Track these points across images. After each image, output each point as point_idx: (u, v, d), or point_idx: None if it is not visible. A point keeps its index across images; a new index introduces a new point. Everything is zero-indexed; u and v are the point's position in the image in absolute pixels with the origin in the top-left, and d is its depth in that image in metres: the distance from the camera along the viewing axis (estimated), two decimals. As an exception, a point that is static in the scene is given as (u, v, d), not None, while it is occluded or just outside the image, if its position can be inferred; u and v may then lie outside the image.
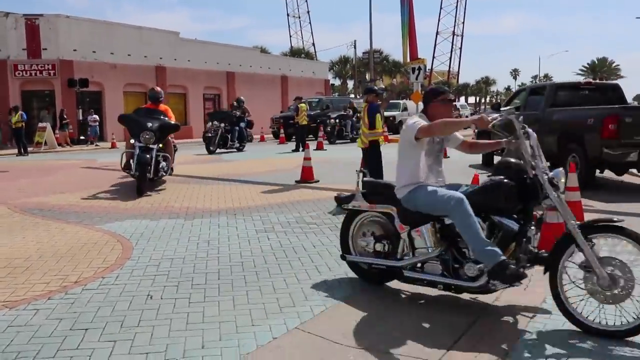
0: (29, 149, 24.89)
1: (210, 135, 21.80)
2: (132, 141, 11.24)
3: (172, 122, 11.87)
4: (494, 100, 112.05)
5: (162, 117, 11.66)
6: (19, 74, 30.34)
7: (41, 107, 30.86)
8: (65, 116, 28.70)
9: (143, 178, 10.58)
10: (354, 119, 27.60)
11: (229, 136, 22.34)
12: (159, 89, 12.72)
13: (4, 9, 31.00)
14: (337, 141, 26.34)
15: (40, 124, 27.66)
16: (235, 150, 22.41)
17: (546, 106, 11.93)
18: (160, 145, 11.30)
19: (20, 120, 24.16)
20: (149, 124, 10.99)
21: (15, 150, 24.31)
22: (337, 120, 27.38)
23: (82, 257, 6.02)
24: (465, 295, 4.48)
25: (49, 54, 30.61)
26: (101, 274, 5.39)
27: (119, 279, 5.22)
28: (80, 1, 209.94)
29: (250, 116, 24.44)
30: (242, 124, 23.09)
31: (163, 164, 11.39)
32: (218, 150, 21.77)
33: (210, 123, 22.64)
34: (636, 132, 9.65)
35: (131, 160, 10.92)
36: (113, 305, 4.51)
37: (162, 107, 12.18)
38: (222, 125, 22.06)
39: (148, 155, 10.71)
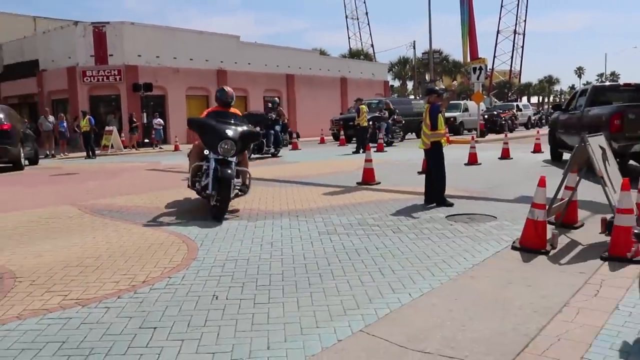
0: (97, 151, 25.71)
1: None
2: (205, 152, 8.56)
3: (255, 130, 9.77)
4: (557, 100, 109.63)
5: (240, 122, 9.25)
6: (87, 79, 31.40)
7: (108, 111, 31.88)
8: (134, 120, 29.50)
9: (226, 199, 8.38)
10: (389, 121, 26.12)
11: (264, 141, 20.37)
12: (229, 89, 9.49)
13: (72, 19, 32.16)
14: (253, 156, 20.18)
15: (107, 128, 28.55)
16: (270, 155, 21.35)
17: (585, 106, 13.28)
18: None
19: (88, 124, 24.98)
20: (228, 132, 8.59)
21: (84, 153, 25.13)
22: (370, 123, 24.07)
23: (150, 257, 6.15)
24: (536, 302, 4.36)
25: (115, 60, 31.57)
26: (168, 274, 5.48)
27: (185, 279, 5.31)
28: (144, 7, 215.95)
29: (287, 119, 24.18)
30: (277, 127, 21.89)
31: (236, 180, 8.83)
32: (253, 156, 19.69)
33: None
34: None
35: (202, 177, 8.71)
36: (180, 305, 4.58)
37: (233, 110, 9.50)
38: (257, 128, 18.85)
39: (229, 170, 8.37)
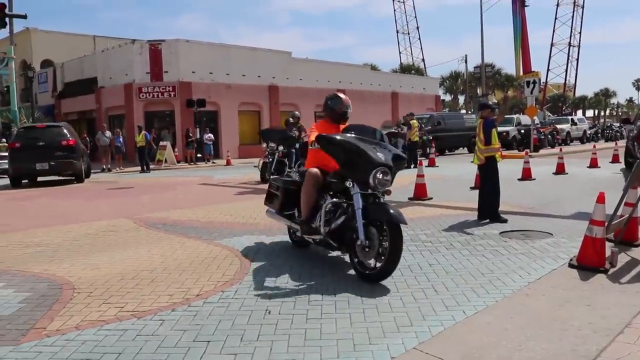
0: (151, 166, 26.29)
1: (267, 160, 16.76)
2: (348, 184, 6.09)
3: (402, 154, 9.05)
4: (616, 113, 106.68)
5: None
6: (143, 96, 32.20)
7: (162, 126, 32.57)
8: (190, 135, 30.07)
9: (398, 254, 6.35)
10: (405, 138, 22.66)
11: (287, 161, 16.69)
12: (345, 97, 7.20)
13: (130, 37, 33.12)
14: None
15: (161, 143, 29.16)
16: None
17: (636, 120, 15.48)
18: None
19: (143, 139, 25.59)
20: (382, 156, 7.40)
21: (139, 168, 25.72)
22: (279, 148, 17.91)
23: (203, 270, 6.23)
24: (595, 322, 4.24)
25: (170, 77, 32.29)
26: (221, 287, 5.54)
27: (238, 293, 5.35)
28: (197, 25, 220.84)
29: (306, 135, 22.36)
30: (297, 145, 17.33)
31: None
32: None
33: (266, 144, 17.53)
34: None
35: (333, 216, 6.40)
36: (233, 319, 4.62)
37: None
38: (280, 148, 16.67)
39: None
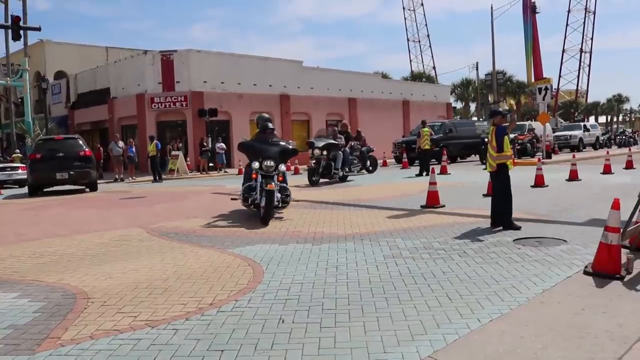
0: (163, 176, 26.40)
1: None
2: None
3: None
4: (629, 119, 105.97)
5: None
6: (155, 106, 32.37)
7: (174, 136, 32.70)
8: (205, 144, 30.18)
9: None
10: (346, 149, 20.67)
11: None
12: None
13: (142, 48, 33.37)
14: (321, 180, 19.64)
15: (173, 152, 29.28)
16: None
17: None
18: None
19: (155, 149, 25.72)
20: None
21: (151, 177, 25.83)
22: (323, 152, 19.49)
23: (216, 280, 6.23)
24: (612, 330, 4.19)
25: (182, 87, 32.45)
26: (234, 297, 5.54)
27: (251, 302, 5.35)
28: (208, 35, 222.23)
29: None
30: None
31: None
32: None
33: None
34: None
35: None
36: (247, 328, 4.61)
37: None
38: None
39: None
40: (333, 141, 19.82)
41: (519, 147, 30.25)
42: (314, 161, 19.28)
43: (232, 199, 12.29)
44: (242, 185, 11.45)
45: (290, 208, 12.07)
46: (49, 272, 6.92)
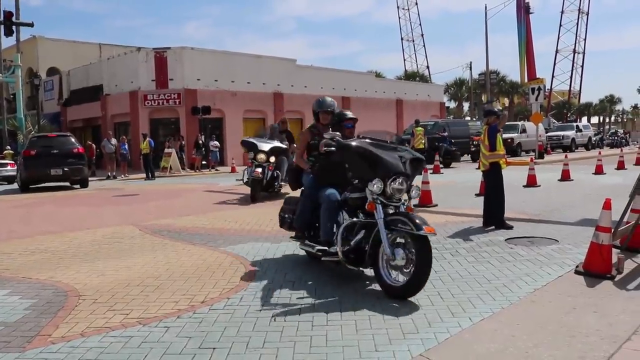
0: (156, 173, 26.34)
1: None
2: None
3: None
4: (621, 120, 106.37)
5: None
6: (148, 103, 32.27)
7: (167, 134, 32.60)
8: (200, 142, 30.13)
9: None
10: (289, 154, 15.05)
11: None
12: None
13: (135, 45, 33.28)
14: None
15: (166, 150, 29.22)
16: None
17: None
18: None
19: (148, 147, 25.65)
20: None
21: (144, 175, 25.76)
22: (270, 159, 14.47)
23: (208, 277, 6.22)
24: (603, 329, 4.21)
25: (175, 84, 32.37)
26: (226, 294, 5.53)
27: (243, 300, 5.34)
28: (202, 33, 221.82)
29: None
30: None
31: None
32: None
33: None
34: None
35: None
36: (238, 325, 4.61)
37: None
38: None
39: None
40: (280, 144, 14.89)
41: (474, 149, 27.49)
42: (259, 169, 13.92)
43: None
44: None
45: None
46: (40, 270, 6.89)
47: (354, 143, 5.69)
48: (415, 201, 6.40)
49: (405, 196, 5.63)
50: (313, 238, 6.40)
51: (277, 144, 14.85)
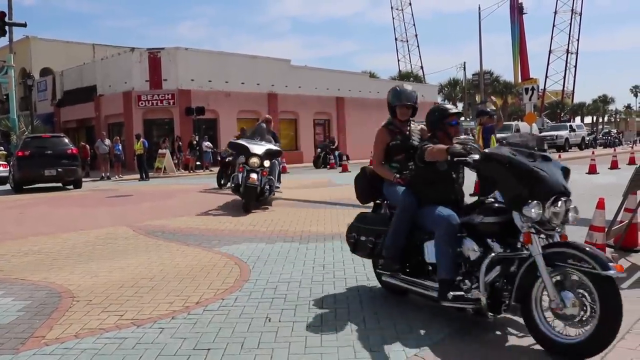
0: (150, 174, 26.29)
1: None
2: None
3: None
4: (614, 120, 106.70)
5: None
6: (142, 104, 32.20)
7: (161, 134, 32.54)
8: (194, 142, 30.09)
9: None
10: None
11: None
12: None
13: (129, 45, 33.20)
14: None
15: (160, 151, 29.16)
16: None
17: None
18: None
19: (142, 147, 25.60)
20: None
21: (138, 176, 25.71)
22: (264, 163, 12.64)
23: (203, 278, 6.21)
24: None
25: (169, 85, 32.30)
26: (221, 295, 5.52)
27: (238, 300, 5.33)
28: (197, 33, 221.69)
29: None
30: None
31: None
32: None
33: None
34: None
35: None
36: (233, 326, 4.60)
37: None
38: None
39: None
40: (273, 146, 13.26)
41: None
42: (254, 175, 12.06)
43: None
44: None
45: (277, 207, 12.06)
46: (33, 271, 6.87)
47: (505, 153, 4.25)
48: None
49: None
50: (409, 271, 5.03)
51: (270, 146, 13.00)
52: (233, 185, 12.81)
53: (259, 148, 12.56)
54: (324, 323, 4.63)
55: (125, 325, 4.70)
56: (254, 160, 12.13)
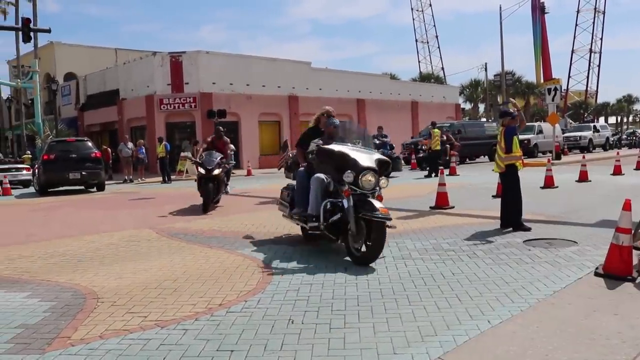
0: (172, 176, 26.49)
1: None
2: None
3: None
4: (637, 120, 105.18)
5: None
6: (164, 107, 32.49)
7: (183, 137, 32.79)
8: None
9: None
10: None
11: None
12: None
13: (151, 49, 33.49)
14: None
15: (182, 154, 29.36)
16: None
17: None
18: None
19: (164, 150, 25.81)
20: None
21: (160, 178, 25.91)
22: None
23: (225, 280, 6.23)
24: (624, 332, 4.16)
25: (191, 88, 32.55)
26: (244, 297, 5.54)
27: (260, 302, 5.34)
28: (216, 36, 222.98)
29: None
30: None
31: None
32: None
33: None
34: None
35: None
36: (256, 328, 4.61)
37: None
38: None
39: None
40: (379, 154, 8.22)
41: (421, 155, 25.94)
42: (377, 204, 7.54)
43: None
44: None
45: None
46: (59, 272, 6.95)
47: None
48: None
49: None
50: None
51: (377, 154, 8.06)
52: (324, 225, 7.18)
53: (368, 158, 7.38)
54: (347, 325, 4.62)
55: (149, 326, 4.73)
56: (369, 179, 7.03)
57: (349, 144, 7.64)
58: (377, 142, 19.25)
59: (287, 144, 16.45)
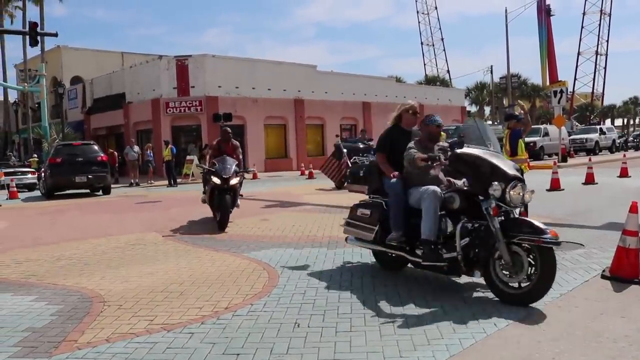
0: (178, 180, 26.54)
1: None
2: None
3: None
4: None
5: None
6: (169, 110, 32.54)
7: (189, 141, 32.86)
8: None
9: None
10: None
11: None
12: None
13: (157, 53, 33.61)
14: None
15: (187, 157, 29.41)
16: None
17: None
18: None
19: (170, 154, 25.87)
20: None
21: (166, 182, 25.96)
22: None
23: (231, 284, 6.24)
24: (631, 334, 4.14)
25: (197, 91, 32.60)
26: (250, 300, 5.54)
27: (266, 306, 5.34)
28: (222, 40, 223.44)
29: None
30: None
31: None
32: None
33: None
34: None
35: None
36: (262, 332, 4.61)
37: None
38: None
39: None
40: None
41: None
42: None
43: None
44: None
45: (305, 212, 12.08)
46: (65, 276, 6.97)
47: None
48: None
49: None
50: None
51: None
52: (461, 255, 5.50)
53: (511, 166, 5.97)
54: (353, 329, 4.62)
55: (156, 329, 4.74)
56: (519, 192, 5.47)
57: (482, 148, 5.87)
58: (362, 146, 18.66)
59: (342, 148, 16.48)
